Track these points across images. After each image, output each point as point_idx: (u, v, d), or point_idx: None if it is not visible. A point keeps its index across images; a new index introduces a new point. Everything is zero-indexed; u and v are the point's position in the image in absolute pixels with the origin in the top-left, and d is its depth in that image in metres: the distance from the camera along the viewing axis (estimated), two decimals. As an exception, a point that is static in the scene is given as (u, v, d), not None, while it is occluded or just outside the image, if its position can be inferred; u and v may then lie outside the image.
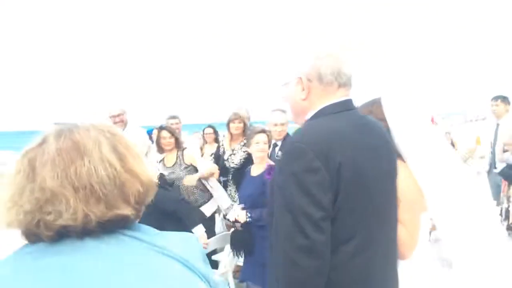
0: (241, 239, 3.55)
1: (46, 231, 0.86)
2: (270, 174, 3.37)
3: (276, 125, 4.49)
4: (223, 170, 4.95)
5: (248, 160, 4.44)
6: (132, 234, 0.90)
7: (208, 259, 3.93)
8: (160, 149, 4.70)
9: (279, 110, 4.62)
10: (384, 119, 1.93)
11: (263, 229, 3.35)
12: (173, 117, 6.19)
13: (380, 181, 1.52)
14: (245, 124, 5.09)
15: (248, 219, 3.49)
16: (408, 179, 1.85)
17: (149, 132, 5.85)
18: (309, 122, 1.59)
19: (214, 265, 4.21)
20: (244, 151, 4.88)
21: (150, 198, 0.98)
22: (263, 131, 3.76)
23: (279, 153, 4.40)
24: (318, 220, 1.37)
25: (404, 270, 1.81)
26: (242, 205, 3.64)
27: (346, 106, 1.57)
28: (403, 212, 1.77)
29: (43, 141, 0.92)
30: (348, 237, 1.44)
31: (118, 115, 4.99)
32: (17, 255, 0.89)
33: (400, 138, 1.91)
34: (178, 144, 4.68)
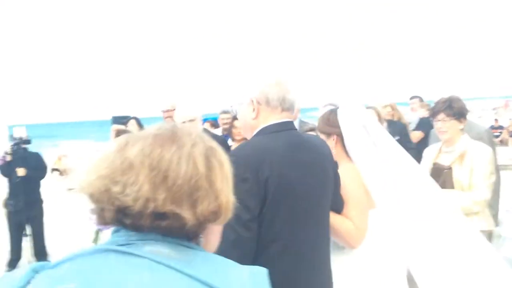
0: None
1: (108, 205, 0.87)
2: None
3: None
4: None
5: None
6: (188, 270, 0.85)
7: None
8: (232, 138, 4.75)
9: (329, 104, 4.51)
10: (338, 126, 2.29)
11: None
12: (225, 112, 5.98)
13: (309, 192, 1.79)
14: None
15: None
16: (355, 180, 2.14)
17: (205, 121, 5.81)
18: (251, 138, 1.86)
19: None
20: None
21: (219, 221, 0.94)
22: (311, 129, 3.68)
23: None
24: (245, 221, 1.66)
25: (360, 260, 2.15)
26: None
27: (285, 126, 1.84)
28: (351, 209, 2.08)
29: (144, 129, 0.96)
30: (275, 237, 1.71)
31: (167, 111, 4.99)
32: (79, 269, 0.85)
33: (350, 143, 2.25)
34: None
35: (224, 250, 1.59)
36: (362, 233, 2.10)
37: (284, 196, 1.70)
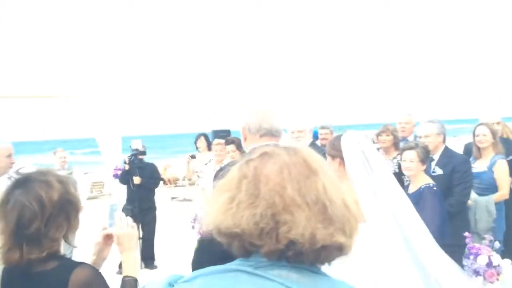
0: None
1: (276, 243, 0.84)
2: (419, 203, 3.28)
3: (420, 137, 4.25)
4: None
5: (401, 175, 4.21)
6: None
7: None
8: None
9: (429, 121, 4.32)
10: (340, 151, 2.62)
11: None
12: (324, 127, 5.83)
13: None
14: (395, 137, 4.75)
15: None
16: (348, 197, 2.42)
17: (315, 134, 5.74)
18: None
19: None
20: (394, 167, 4.53)
21: (357, 233, 0.93)
22: (411, 147, 3.54)
23: (436, 168, 4.09)
24: None
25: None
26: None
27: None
28: None
29: (266, 154, 0.92)
30: None
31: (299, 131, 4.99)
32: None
33: (349, 166, 2.58)
34: None
35: None
36: None
37: None
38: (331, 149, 2.71)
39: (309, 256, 0.85)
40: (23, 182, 1.56)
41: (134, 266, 1.73)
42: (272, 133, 2.34)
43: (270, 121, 2.32)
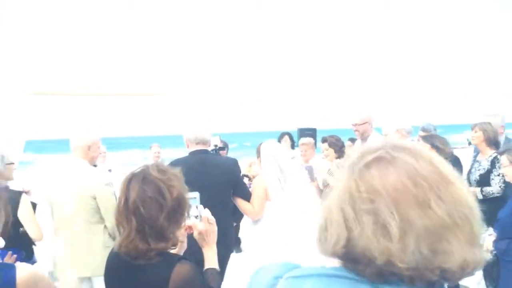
0: (491, 269, 3.16)
1: (429, 274, 0.72)
2: None
3: None
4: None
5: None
6: None
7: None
8: None
9: None
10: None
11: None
12: (425, 130, 5.44)
13: (204, 186, 2.73)
14: (484, 134, 4.24)
15: (492, 250, 3.15)
16: (259, 184, 3.56)
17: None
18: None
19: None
20: (485, 166, 4.21)
21: None
22: (502, 152, 3.23)
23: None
24: None
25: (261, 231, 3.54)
26: (491, 230, 3.27)
27: (199, 152, 3.43)
28: (253, 199, 3.53)
29: (383, 159, 0.77)
30: None
31: (356, 124, 4.88)
32: None
33: (263, 164, 3.61)
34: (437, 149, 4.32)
35: None
36: (258, 213, 3.54)
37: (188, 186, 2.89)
38: (257, 152, 3.75)
39: (453, 279, 0.75)
40: (147, 178, 1.62)
41: (215, 258, 1.80)
42: (202, 142, 3.43)
43: (201, 134, 3.41)
